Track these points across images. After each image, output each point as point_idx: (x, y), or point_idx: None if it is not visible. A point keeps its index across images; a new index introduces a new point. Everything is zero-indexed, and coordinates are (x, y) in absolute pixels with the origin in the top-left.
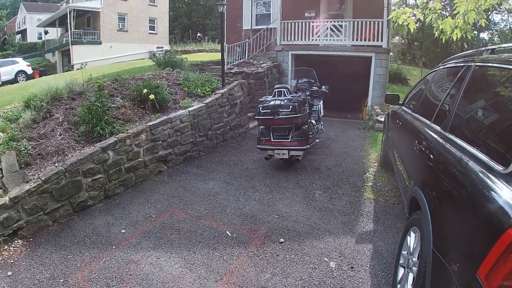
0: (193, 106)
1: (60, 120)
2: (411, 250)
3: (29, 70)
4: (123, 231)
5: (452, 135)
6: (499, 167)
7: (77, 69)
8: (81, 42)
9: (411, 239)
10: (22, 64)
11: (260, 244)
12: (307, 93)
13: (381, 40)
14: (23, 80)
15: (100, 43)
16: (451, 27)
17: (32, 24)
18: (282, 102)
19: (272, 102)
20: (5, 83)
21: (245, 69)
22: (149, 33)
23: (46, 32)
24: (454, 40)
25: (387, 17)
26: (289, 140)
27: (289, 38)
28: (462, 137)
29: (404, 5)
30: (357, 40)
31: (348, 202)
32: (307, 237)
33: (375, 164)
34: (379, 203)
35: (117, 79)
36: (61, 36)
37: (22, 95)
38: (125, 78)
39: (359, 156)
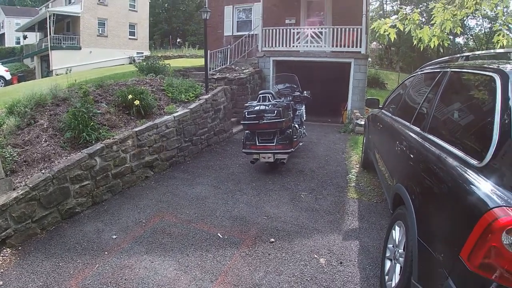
0: (177, 111)
1: (45, 126)
2: (397, 243)
3: (8, 76)
4: (114, 236)
5: (430, 135)
6: (474, 162)
7: (56, 74)
8: (61, 47)
9: (396, 233)
10: (0, 69)
11: (251, 245)
12: (289, 98)
13: (360, 46)
14: (1, 86)
15: (80, 48)
16: (428, 36)
17: (10, 28)
18: (267, 107)
19: (257, 107)
20: None
21: (228, 75)
22: (129, 38)
23: (25, 37)
24: (432, 47)
25: (366, 24)
26: (274, 144)
27: (270, 45)
28: (440, 137)
29: (381, 11)
30: (336, 46)
31: (333, 202)
32: (296, 236)
33: (357, 166)
34: (362, 202)
35: (101, 85)
36: (40, 41)
37: (3, 101)
38: (109, 84)
39: (341, 158)
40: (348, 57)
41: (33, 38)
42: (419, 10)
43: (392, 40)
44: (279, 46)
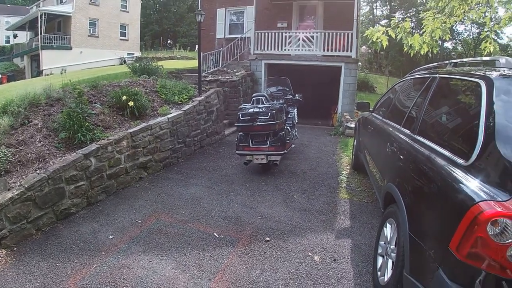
0: (171, 113)
1: (39, 126)
2: (388, 239)
3: None
4: (111, 237)
5: (420, 137)
6: (461, 161)
7: (47, 74)
8: (51, 47)
9: (388, 230)
10: None
11: (247, 244)
12: (282, 101)
13: (351, 51)
14: None
15: (71, 48)
16: (419, 43)
17: (0, 27)
18: (260, 110)
19: (251, 110)
20: None
21: (220, 77)
22: (120, 39)
23: (15, 36)
24: (422, 54)
25: (356, 29)
26: (267, 146)
27: (262, 48)
28: (429, 138)
29: (371, 15)
30: (327, 50)
31: (325, 202)
32: (290, 235)
33: (348, 167)
34: (353, 202)
35: (95, 86)
36: (30, 40)
37: None
38: (103, 84)
39: (332, 160)
40: (339, 61)
41: (23, 37)
42: (409, 15)
43: (384, 47)
44: (271, 49)
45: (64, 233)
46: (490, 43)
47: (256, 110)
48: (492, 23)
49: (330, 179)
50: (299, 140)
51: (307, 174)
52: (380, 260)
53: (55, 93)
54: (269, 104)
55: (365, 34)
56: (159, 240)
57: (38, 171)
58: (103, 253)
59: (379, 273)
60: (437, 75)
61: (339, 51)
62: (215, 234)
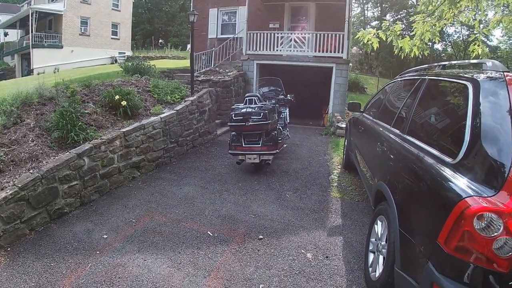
0: (164, 113)
1: (32, 125)
2: (379, 236)
3: None
4: (105, 236)
5: (409, 137)
6: (449, 159)
7: (38, 73)
8: (42, 45)
9: (378, 227)
10: None
11: (241, 242)
12: (274, 101)
13: (342, 52)
14: None
15: (62, 47)
16: (409, 46)
17: None
18: (253, 110)
19: (244, 110)
20: None
21: (212, 77)
22: (112, 38)
23: (5, 34)
24: (412, 56)
25: (348, 30)
26: (259, 145)
27: (254, 48)
28: (418, 138)
29: (362, 17)
30: (319, 51)
31: (317, 201)
32: (283, 233)
33: (339, 167)
34: (345, 201)
35: (87, 85)
36: (21, 38)
37: None
38: (95, 84)
39: (323, 160)
40: (330, 62)
41: (14, 35)
42: (399, 16)
43: (375, 49)
44: (263, 50)
45: (58, 233)
46: (478, 46)
47: (249, 110)
48: (482, 25)
49: (322, 178)
50: (291, 140)
51: (299, 173)
52: (371, 257)
53: (48, 92)
54: (262, 104)
55: (356, 37)
56: (154, 239)
57: (31, 171)
58: (97, 252)
59: (370, 269)
60: (426, 77)
61: (331, 52)
62: (209, 232)
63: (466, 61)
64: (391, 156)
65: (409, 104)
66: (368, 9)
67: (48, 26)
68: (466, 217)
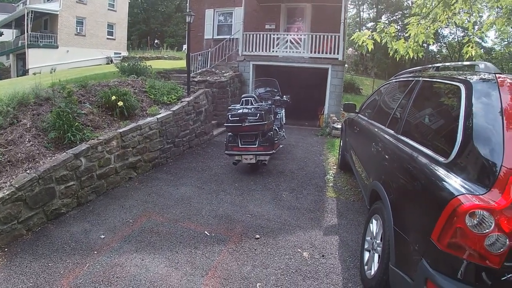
0: (160, 113)
1: (28, 126)
2: (374, 235)
3: None
4: (103, 236)
5: (404, 137)
6: (442, 159)
7: (34, 73)
8: (38, 45)
9: (374, 226)
10: None
11: (238, 241)
12: (270, 102)
13: (337, 53)
14: None
15: (57, 47)
16: (404, 48)
17: None
18: (249, 110)
19: (240, 110)
20: None
21: (208, 78)
22: (107, 38)
23: (0, 34)
24: (407, 58)
25: (343, 31)
26: (256, 146)
27: (250, 49)
28: (412, 138)
29: (358, 18)
30: (315, 52)
31: (313, 200)
32: (280, 232)
33: (334, 167)
34: (340, 201)
35: (84, 85)
36: (16, 38)
37: None
38: (92, 84)
39: (319, 160)
40: (326, 63)
41: (9, 35)
42: (395, 18)
43: (370, 50)
44: (259, 50)
45: (55, 233)
46: (472, 48)
47: (245, 110)
48: (477, 27)
49: (318, 179)
50: (286, 140)
51: (295, 173)
52: (367, 255)
53: (44, 93)
54: (258, 105)
55: (351, 38)
56: (151, 239)
57: (28, 171)
58: (95, 252)
59: (366, 267)
60: (420, 78)
61: (326, 53)
62: (206, 232)
63: (459, 63)
64: (386, 156)
65: (403, 105)
66: (364, 10)
67: (43, 26)
68: (459, 214)
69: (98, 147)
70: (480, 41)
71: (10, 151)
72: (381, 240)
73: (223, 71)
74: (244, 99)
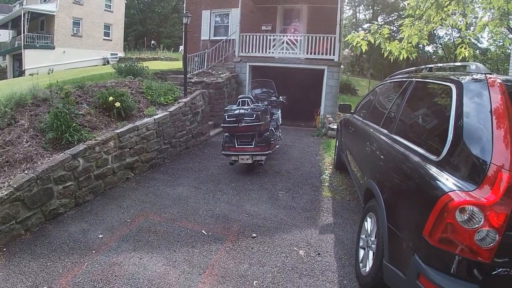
0: (157, 114)
1: (26, 126)
2: (369, 232)
3: None
4: (101, 236)
5: (397, 136)
6: (433, 157)
7: (30, 74)
8: (34, 46)
9: (368, 224)
10: None
11: (235, 240)
12: (266, 103)
13: (333, 54)
14: None
15: (54, 48)
16: (397, 49)
17: None
18: (246, 111)
19: (237, 111)
20: None
21: (205, 79)
22: (104, 39)
23: None
24: (402, 59)
25: (339, 33)
26: (252, 146)
27: (247, 50)
28: (405, 137)
29: (354, 19)
30: (311, 53)
31: (309, 200)
32: (276, 231)
33: (330, 167)
34: (336, 200)
35: (81, 86)
36: (12, 39)
37: None
38: (89, 85)
39: (315, 160)
40: (322, 64)
41: (5, 36)
42: (391, 19)
43: (364, 51)
44: (255, 52)
45: (53, 233)
46: (465, 49)
47: (242, 111)
48: (472, 27)
49: (314, 178)
50: (283, 141)
51: (291, 173)
52: (361, 252)
53: (41, 93)
54: (254, 105)
55: (345, 39)
56: (149, 238)
57: (26, 171)
58: (93, 251)
59: (361, 264)
60: (413, 79)
61: (322, 54)
62: (203, 231)
63: (452, 63)
64: (380, 156)
65: (397, 105)
66: (360, 11)
67: (40, 27)
68: (449, 210)
69: (96, 147)
70: (476, 42)
71: (8, 152)
72: (375, 238)
73: (219, 72)
74: (240, 100)
